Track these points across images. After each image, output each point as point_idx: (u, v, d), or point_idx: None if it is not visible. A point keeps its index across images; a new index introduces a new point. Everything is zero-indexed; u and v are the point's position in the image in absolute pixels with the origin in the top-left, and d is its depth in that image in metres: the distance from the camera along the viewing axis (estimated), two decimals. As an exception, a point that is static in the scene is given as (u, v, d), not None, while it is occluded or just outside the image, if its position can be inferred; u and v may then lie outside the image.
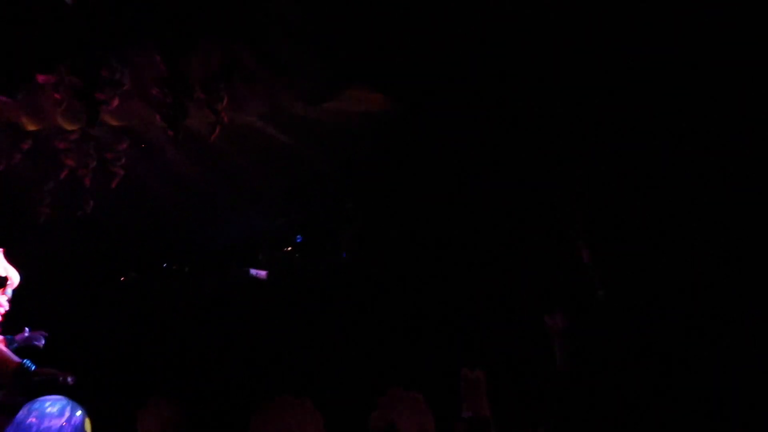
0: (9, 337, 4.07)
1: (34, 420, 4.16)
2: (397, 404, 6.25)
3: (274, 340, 7.39)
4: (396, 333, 6.88)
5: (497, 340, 6.09)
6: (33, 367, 3.57)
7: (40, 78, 4.35)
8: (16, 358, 3.71)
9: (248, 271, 7.86)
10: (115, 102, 4.46)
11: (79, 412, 4.36)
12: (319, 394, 6.50)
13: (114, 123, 4.90)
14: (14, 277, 3.89)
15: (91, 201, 6.28)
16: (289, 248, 8.32)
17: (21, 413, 4.11)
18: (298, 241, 8.34)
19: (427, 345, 6.62)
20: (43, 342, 4.06)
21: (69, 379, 4.19)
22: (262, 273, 8.02)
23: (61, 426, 4.17)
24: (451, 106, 5.34)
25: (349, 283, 7.50)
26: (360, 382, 6.63)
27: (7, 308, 3.82)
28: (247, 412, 6.57)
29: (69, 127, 4.88)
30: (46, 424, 4.09)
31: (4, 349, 3.63)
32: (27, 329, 4.09)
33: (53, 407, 4.26)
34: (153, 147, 5.54)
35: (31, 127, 4.90)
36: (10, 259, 4.07)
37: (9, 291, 3.82)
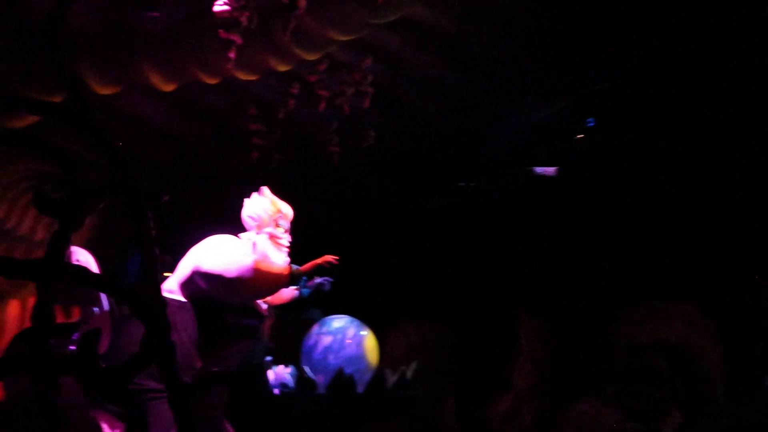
0: (301, 283, 4.32)
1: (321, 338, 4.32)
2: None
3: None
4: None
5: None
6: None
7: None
8: (280, 265, 3.85)
9: (534, 171, 7.24)
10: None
11: (363, 331, 4.51)
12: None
13: (343, 38, 4.80)
14: (287, 211, 4.05)
15: (372, 131, 6.43)
16: (581, 136, 7.43)
17: (312, 333, 4.34)
18: (590, 125, 7.38)
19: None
20: (328, 287, 4.17)
21: (326, 282, 4.25)
22: (550, 170, 7.33)
23: (346, 343, 4.29)
24: None
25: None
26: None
27: (289, 239, 4.00)
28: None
29: (310, 56, 4.95)
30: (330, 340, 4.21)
31: (267, 259, 3.78)
32: (315, 279, 4.17)
33: (338, 323, 4.47)
34: (391, 55, 5.37)
35: (282, 68, 5.10)
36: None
37: (283, 222, 3.98)
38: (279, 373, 4.16)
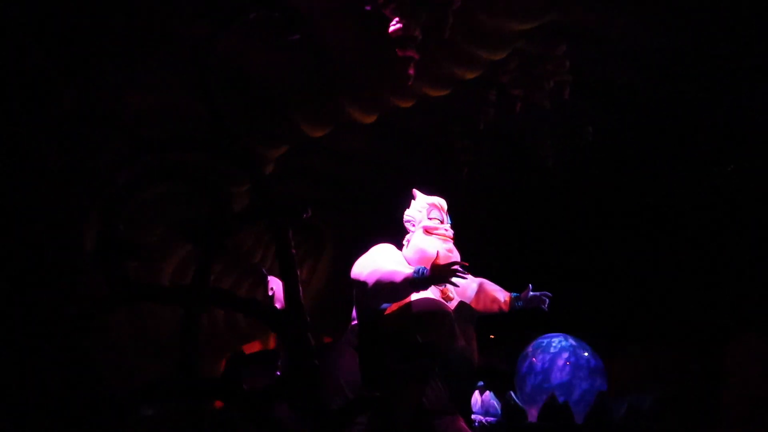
0: (515, 294, 3.92)
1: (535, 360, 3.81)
2: None
3: None
4: None
5: None
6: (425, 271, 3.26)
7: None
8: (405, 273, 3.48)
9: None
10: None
11: (584, 352, 3.86)
12: None
13: (526, 26, 4.37)
14: (437, 201, 3.79)
15: (589, 126, 5.82)
16: None
17: (525, 353, 3.84)
18: None
19: None
20: (546, 304, 3.80)
21: (543, 297, 3.73)
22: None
23: (563, 366, 3.72)
24: None
25: None
26: None
27: (447, 230, 3.69)
28: None
29: (495, 55, 4.62)
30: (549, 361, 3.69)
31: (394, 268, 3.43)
32: (530, 286, 3.88)
33: (556, 343, 3.88)
34: (587, 32, 4.74)
35: (470, 75, 4.86)
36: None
37: (436, 213, 3.69)
38: (485, 400, 3.74)
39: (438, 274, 3.17)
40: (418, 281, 3.23)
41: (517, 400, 3.60)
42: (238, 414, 2.24)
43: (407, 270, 3.30)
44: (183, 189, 3.08)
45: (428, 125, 5.99)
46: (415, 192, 3.98)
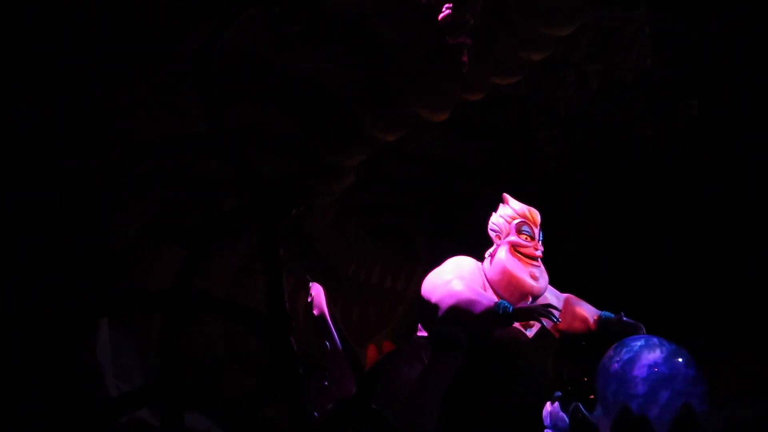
0: (605, 314, 3.59)
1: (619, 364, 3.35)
2: None
3: None
4: None
5: None
6: (510, 308, 2.89)
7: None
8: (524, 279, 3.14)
9: None
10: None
11: (679, 357, 3.31)
12: None
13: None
14: (530, 214, 3.42)
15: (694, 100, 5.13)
16: None
17: (607, 357, 3.41)
18: None
19: None
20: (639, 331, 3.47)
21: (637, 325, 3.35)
22: None
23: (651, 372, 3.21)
24: None
25: None
26: None
27: (537, 248, 3.33)
28: None
29: (561, 31, 4.20)
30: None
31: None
32: (623, 314, 3.59)
33: (644, 346, 3.35)
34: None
35: (537, 56, 4.46)
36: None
37: (527, 229, 3.33)
38: (553, 412, 3.28)
39: (523, 315, 2.85)
40: (501, 318, 2.91)
41: (585, 412, 3.12)
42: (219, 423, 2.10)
43: (487, 302, 2.97)
44: (172, 191, 3.06)
45: (508, 119, 5.62)
46: (507, 197, 3.62)
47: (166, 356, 2.00)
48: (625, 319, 3.51)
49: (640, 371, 3.12)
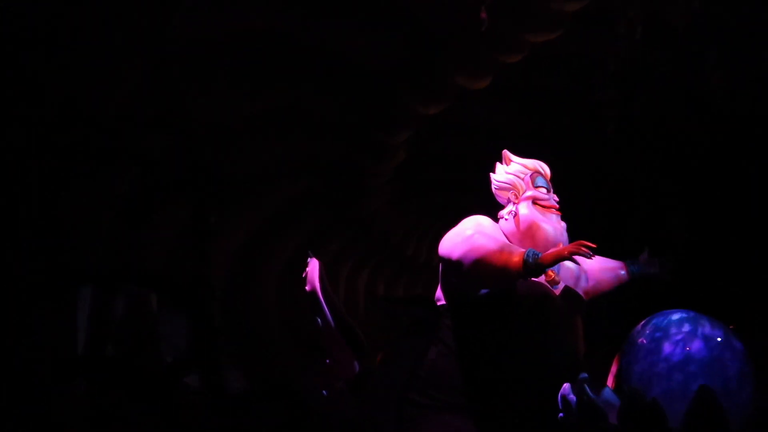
0: (630, 260, 3.27)
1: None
2: None
3: None
4: None
5: None
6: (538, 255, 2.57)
7: None
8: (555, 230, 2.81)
9: None
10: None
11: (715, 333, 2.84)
12: None
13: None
14: (541, 168, 3.11)
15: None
16: None
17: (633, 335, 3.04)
18: None
19: None
20: (659, 271, 3.19)
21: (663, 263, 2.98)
22: None
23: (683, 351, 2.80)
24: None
25: None
26: None
27: (555, 199, 3.03)
28: None
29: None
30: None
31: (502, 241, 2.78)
32: (647, 249, 3.27)
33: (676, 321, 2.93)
34: None
35: (570, 8, 4.05)
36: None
37: (541, 181, 3.03)
38: (564, 393, 2.90)
39: (555, 259, 2.56)
40: (532, 266, 2.63)
41: (591, 395, 2.74)
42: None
43: (516, 250, 2.72)
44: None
45: (561, 82, 5.21)
46: (507, 154, 3.31)
47: (95, 327, 1.98)
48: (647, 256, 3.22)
49: (667, 347, 2.71)
